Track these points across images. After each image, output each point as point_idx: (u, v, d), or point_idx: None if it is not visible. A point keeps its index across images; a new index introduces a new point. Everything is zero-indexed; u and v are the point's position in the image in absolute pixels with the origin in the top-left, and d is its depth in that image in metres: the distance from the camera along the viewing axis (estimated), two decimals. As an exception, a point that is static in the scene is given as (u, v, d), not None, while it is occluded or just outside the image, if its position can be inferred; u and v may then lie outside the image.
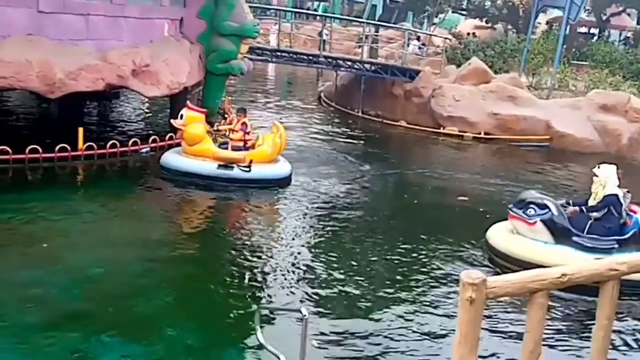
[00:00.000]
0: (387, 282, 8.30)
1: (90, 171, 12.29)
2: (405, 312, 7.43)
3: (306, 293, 7.72)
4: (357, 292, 7.88)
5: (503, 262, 9.12)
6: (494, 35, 32.18)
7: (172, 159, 12.29)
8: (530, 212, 9.22)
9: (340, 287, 7.98)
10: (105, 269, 7.90)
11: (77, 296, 7.21)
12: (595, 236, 8.85)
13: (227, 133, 12.64)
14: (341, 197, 12.04)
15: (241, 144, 12.28)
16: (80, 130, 12.56)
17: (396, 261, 9.03)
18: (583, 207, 9.21)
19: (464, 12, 38.45)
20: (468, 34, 29.45)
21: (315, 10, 44.17)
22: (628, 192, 9.18)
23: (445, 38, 24.97)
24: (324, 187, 12.51)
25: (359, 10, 43.08)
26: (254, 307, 5.36)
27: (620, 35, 37.02)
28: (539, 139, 18.64)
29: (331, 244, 9.54)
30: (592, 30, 36.55)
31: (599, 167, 9.32)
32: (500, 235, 9.50)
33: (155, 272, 8.02)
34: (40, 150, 11.83)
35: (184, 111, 12.19)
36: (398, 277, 8.46)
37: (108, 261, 8.13)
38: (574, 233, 8.94)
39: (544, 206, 9.17)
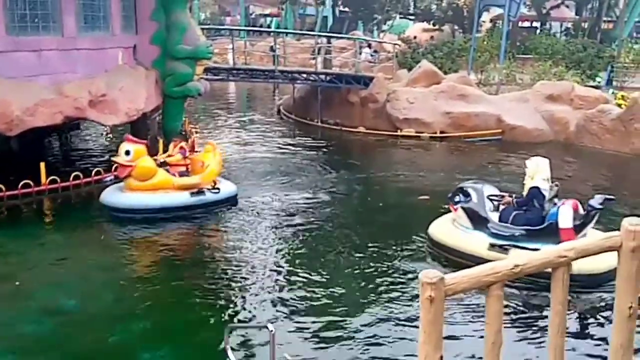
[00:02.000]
0: (356, 287, 8.34)
1: (55, 204, 12.07)
2: (374, 318, 7.43)
3: (277, 306, 7.70)
4: (327, 300, 7.88)
5: (434, 250, 9.50)
6: (442, 37, 32.71)
7: (122, 197, 11.07)
8: (455, 199, 9.55)
9: (309, 296, 7.98)
10: (77, 301, 7.77)
11: (51, 330, 7.06)
12: (507, 225, 8.94)
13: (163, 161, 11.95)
14: (307, 206, 12.04)
15: (184, 168, 11.74)
16: (42, 164, 12.33)
17: (363, 266, 9.05)
18: (515, 199, 9.36)
19: (411, 17, 39.02)
20: (414, 37, 29.85)
21: (269, 26, 44.24)
22: (555, 185, 9.23)
23: (395, 44, 25.28)
24: (289, 199, 12.48)
25: (310, 23, 43.35)
26: (226, 325, 5.34)
27: (561, 26, 37.93)
28: (492, 133, 18.97)
29: (300, 255, 9.54)
30: (535, 24, 37.38)
31: (530, 160, 9.48)
32: (436, 225, 9.79)
33: (127, 299, 7.90)
34: (3, 188, 11.59)
35: (128, 146, 10.99)
36: (365, 282, 8.47)
37: (80, 293, 8.01)
38: (489, 220, 9.09)
39: (467, 194, 9.44)
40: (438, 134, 19.25)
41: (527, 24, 37.31)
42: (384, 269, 8.92)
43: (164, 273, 8.93)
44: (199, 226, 11.05)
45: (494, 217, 9.19)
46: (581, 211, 8.76)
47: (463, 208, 9.36)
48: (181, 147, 11.89)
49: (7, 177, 11.87)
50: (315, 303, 7.79)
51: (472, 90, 20.11)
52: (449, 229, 9.53)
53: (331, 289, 8.17)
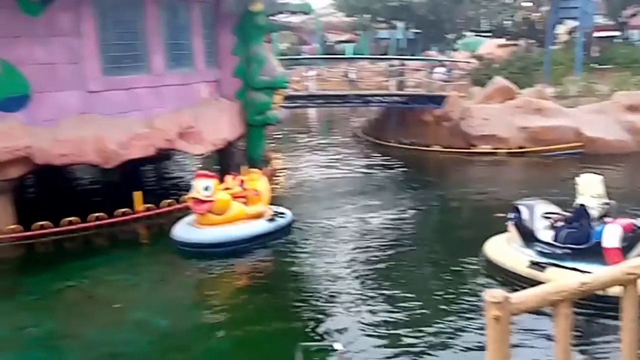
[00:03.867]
0: (433, 307, 8.20)
1: (151, 231, 12.60)
2: (450, 343, 7.28)
3: (353, 324, 7.70)
4: (404, 319, 7.81)
5: (488, 267, 9.17)
6: (517, 52, 31.88)
7: (203, 232, 10.65)
8: (509, 215, 9.34)
9: (386, 316, 7.93)
10: (168, 320, 8.09)
11: (145, 346, 7.39)
12: (552, 243, 8.61)
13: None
14: (385, 224, 12.01)
15: (243, 199, 11.46)
16: (137, 193, 12.97)
17: (441, 284, 8.92)
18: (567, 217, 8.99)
19: (484, 34, 38.28)
20: (489, 54, 29.30)
21: (344, 52, 44.68)
22: (607, 203, 8.73)
23: (467, 62, 24.91)
24: (367, 217, 12.49)
25: (385, 46, 43.39)
26: (297, 345, 5.41)
27: (641, 34, 36.05)
28: (572, 147, 18.25)
29: (377, 272, 9.50)
30: (613, 34, 35.75)
31: (581, 177, 9.07)
32: (491, 242, 9.55)
33: (212, 320, 8.12)
34: (104, 216, 12.28)
35: (206, 182, 10.58)
36: (443, 302, 8.32)
37: (171, 313, 8.33)
38: (537, 238, 8.79)
39: (518, 210, 9.18)
40: (515, 150, 18.73)
41: (605, 34, 35.75)
42: (465, 286, 8.74)
43: (248, 297, 9.09)
44: (276, 251, 10.95)
45: (547, 235, 8.84)
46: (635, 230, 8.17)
47: (515, 225, 9.14)
48: (241, 180, 11.77)
49: (107, 205, 12.58)
50: (391, 324, 7.72)
51: (548, 104, 19.46)
52: (501, 246, 9.30)
53: (409, 310, 8.07)
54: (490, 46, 36.89)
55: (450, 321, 7.65)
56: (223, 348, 7.36)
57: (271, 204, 11.94)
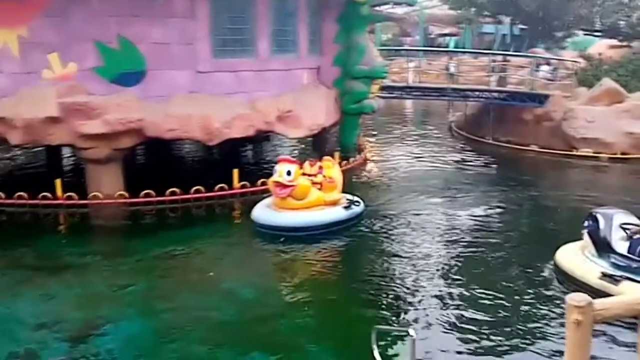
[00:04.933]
0: (510, 308, 8.00)
1: (245, 207, 12.99)
2: (528, 342, 7.10)
3: (433, 315, 7.68)
4: (481, 318, 7.68)
5: (559, 276, 8.81)
6: (629, 54, 29.94)
7: (283, 216, 10.71)
8: (585, 223, 8.86)
9: (462, 312, 7.83)
10: (255, 293, 8.41)
11: (232, 315, 7.73)
12: (628, 255, 8.07)
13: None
14: (473, 221, 11.76)
15: (319, 185, 11.34)
16: (236, 171, 13.47)
17: (525, 286, 8.67)
18: None
19: (596, 34, 36.21)
20: (599, 54, 27.70)
21: (447, 45, 43.76)
22: None
23: (574, 61, 23.72)
24: (454, 213, 12.29)
25: (489, 41, 42.08)
26: (374, 327, 5.48)
27: None
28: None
29: (459, 267, 9.37)
30: None
31: None
32: (564, 249, 9.12)
33: (296, 297, 8.34)
34: (203, 190, 12.88)
35: (289, 166, 10.74)
36: (525, 307, 8.10)
37: (258, 287, 8.65)
38: (612, 249, 8.28)
39: (594, 219, 8.68)
40: (619, 155, 17.71)
41: None
42: (536, 292, 8.46)
43: (327, 280, 9.19)
44: (357, 239, 10.87)
45: (623, 246, 8.31)
46: None
47: (589, 233, 8.69)
48: (320, 167, 11.60)
49: (208, 180, 13.17)
50: (469, 322, 7.62)
51: (659, 110, 18.21)
52: (574, 254, 8.84)
53: (488, 310, 7.93)
54: (601, 46, 34.77)
55: (523, 325, 7.44)
56: (304, 325, 7.56)
57: (347, 193, 11.90)
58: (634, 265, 7.98)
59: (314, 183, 11.19)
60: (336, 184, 11.50)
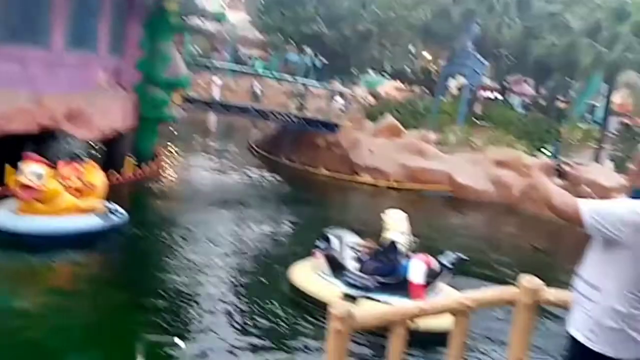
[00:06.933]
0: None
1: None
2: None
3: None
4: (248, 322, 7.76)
5: (294, 294, 8.65)
6: (411, 97, 33.28)
7: (26, 221, 9.24)
8: (319, 244, 8.86)
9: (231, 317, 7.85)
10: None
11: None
12: (362, 275, 8.37)
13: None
14: (262, 235, 11.94)
15: (75, 191, 10.18)
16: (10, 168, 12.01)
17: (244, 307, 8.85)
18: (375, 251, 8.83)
19: (386, 75, 39.69)
20: (386, 93, 30.42)
21: (253, 66, 44.56)
22: (412, 240, 8.89)
23: (365, 97, 25.70)
24: (245, 225, 12.39)
25: (294, 68, 43.75)
26: (141, 338, 5.22)
27: (523, 101, 38.88)
28: (442, 189, 19.22)
29: (238, 279, 9.42)
30: (496, 95, 38.28)
31: (386, 213, 9.11)
32: (297, 269, 8.97)
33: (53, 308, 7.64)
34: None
35: (39, 168, 9.27)
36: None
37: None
38: (346, 269, 8.50)
39: (328, 239, 8.85)
40: (394, 184, 19.43)
41: (490, 94, 38.22)
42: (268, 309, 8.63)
43: (87, 289, 8.56)
44: (124, 248, 10.29)
45: (354, 266, 8.69)
46: (436, 267, 8.26)
47: (325, 255, 8.70)
48: (75, 168, 10.41)
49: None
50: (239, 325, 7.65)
51: (429, 148, 20.47)
52: (309, 274, 8.75)
53: (256, 318, 8.04)
54: (388, 87, 38.29)
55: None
56: (68, 336, 6.93)
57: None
58: (369, 284, 8.19)
59: (68, 187, 9.96)
60: (96, 190, 10.39)
